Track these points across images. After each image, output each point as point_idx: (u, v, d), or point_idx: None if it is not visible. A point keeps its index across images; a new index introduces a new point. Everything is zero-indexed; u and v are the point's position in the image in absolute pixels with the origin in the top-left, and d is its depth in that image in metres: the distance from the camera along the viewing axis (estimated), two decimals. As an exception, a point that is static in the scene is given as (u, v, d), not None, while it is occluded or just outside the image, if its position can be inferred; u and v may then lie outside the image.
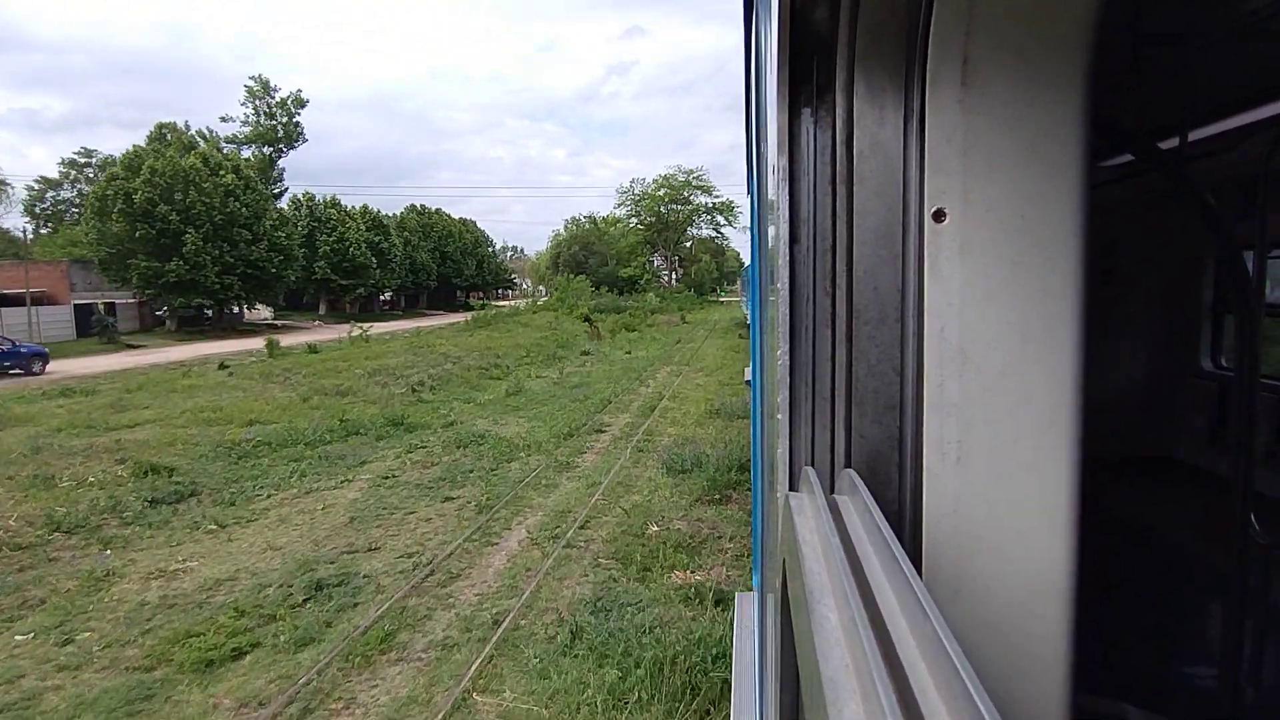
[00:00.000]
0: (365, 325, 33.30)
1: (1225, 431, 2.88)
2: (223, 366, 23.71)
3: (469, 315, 43.80)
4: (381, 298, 62.11)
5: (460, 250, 67.74)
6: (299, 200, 50.57)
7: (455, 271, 67.28)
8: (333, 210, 50.36)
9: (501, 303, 64.58)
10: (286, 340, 32.96)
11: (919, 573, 0.70)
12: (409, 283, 59.82)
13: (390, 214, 59.35)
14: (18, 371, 23.02)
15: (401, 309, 63.30)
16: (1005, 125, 0.71)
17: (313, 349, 28.96)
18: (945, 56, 0.71)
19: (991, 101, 0.71)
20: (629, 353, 23.77)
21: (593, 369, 20.02)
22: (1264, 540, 2.03)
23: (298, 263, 44.60)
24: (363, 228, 51.36)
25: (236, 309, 43.81)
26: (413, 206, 65.13)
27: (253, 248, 39.95)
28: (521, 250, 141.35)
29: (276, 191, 55.05)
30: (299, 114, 55.67)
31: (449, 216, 68.68)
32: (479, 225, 75.64)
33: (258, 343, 32.27)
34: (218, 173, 39.14)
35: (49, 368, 24.03)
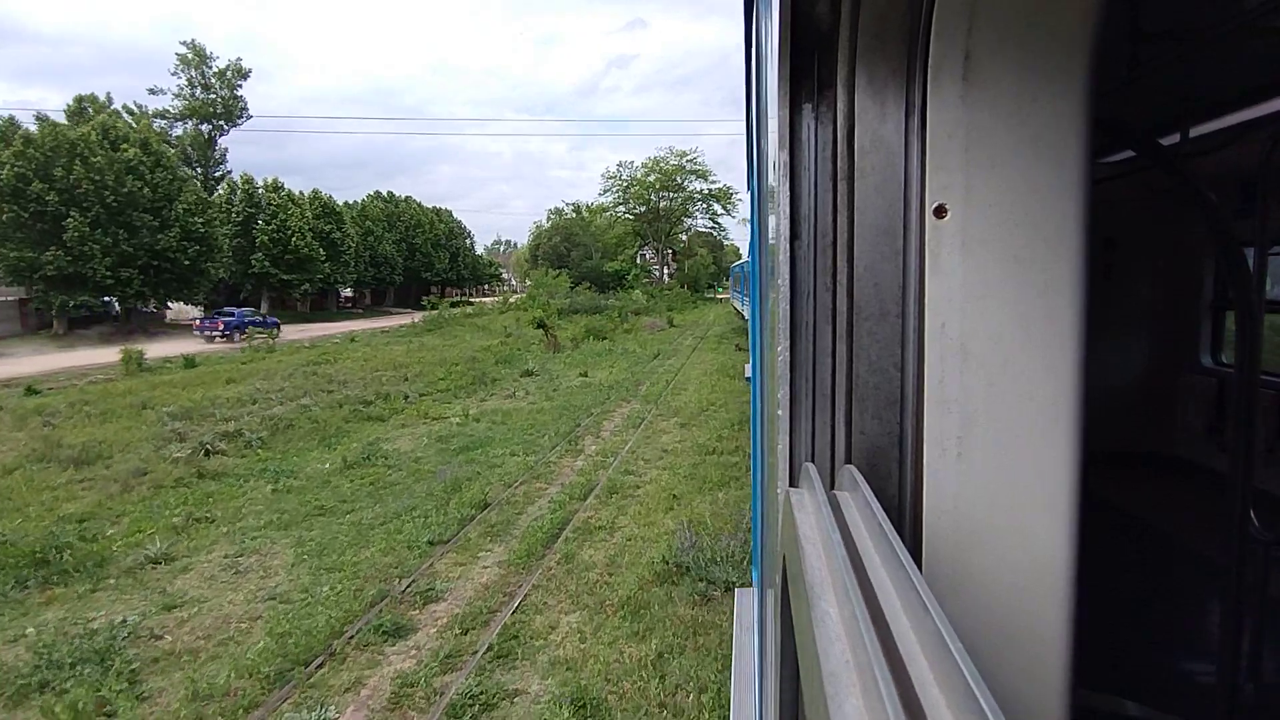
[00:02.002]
0: (274, 334, 26.93)
1: (1225, 427, 2.75)
2: (31, 392, 17.39)
3: (421, 316, 37.77)
4: (343, 294, 55.57)
5: (431, 242, 60.98)
6: (234, 183, 43.91)
7: (425, 265, 60.56)
8: (274, 195, 43.67)
9: (481, 300, 58.06)
10: (194, 348, 26.89)
11: (919, 568, 0.70)
12: (369, 277, 53.20)
13: (352, 200, 52.79)
14: (264, 335, 29.26)
15: (365, 307, 56.81)
16: (1007, 121, 0.71)
17: (190, 363, 22.55)
18: (947, 52, 0.70)
19: (993, 97, 0.71)
20: (585, 374, 17.36)
21: (520, 404, 13.62)
22: (1263, 536, 2.02)
23: (223, 254, 38.10)
24: (309, 215, 44.69)
25: (153, 308, 37.20)
26: (377, 193, 58.41)
27: (159, 236, 33.43)
28: (514, 243, 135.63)
29: (218, 175, 48.55)
30: (241, 85, 49.09)
31: (419, 204, 61.81)
32: (455, 215, 68.71)
33: (163, 348, 26.23)
34: (119, 146, 32.64)
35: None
